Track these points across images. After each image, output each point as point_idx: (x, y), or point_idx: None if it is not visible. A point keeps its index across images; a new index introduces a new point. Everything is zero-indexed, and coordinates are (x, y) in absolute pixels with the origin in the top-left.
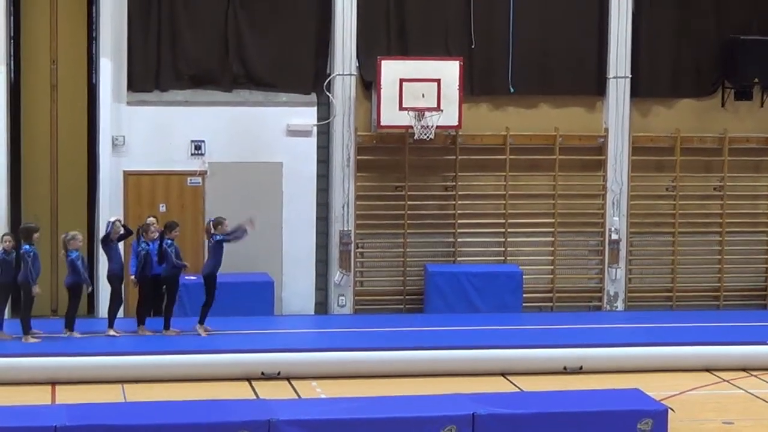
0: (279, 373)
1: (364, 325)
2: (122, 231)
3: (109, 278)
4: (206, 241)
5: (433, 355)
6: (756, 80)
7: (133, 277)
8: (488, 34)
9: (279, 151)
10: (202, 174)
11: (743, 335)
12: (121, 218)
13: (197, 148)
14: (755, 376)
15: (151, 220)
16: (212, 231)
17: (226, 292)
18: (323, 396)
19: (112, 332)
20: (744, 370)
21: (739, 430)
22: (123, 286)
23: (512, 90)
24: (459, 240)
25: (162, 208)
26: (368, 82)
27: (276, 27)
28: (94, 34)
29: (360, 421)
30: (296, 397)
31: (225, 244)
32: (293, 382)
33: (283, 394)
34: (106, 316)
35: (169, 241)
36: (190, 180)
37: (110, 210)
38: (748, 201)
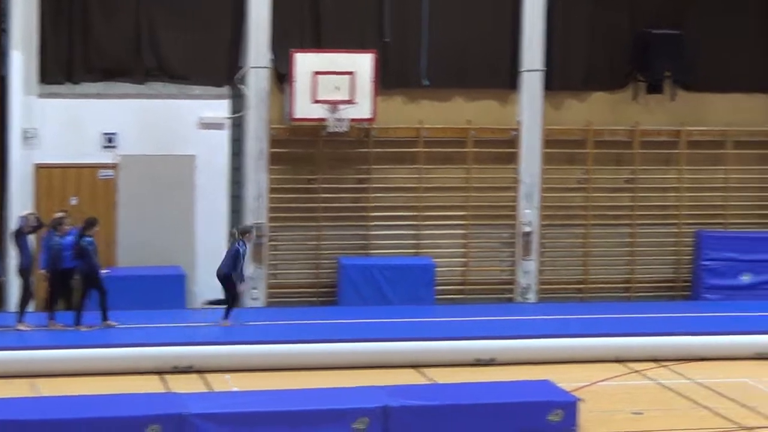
0: (191, 367)
1: (278, 318)
2: (35, 224)
3: (20, 272)
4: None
5: (346, 347)
6: (667, 74)
7: (43, 271)
8: (402, 28)
9: (192, 143)
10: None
11: (653, 326)
12: (34, 212)
13: (109, 140)
14: (665, 366)
15: (62, 213)
16: (237, 236)
17: (137, 286)
18: (236, 389)
19: (21, 326)
20: (654, 360)
21: (648, 420)
22: (33, 280)
23: (426, 83)
24: (372, 233)
25: (73, 201)
26: (282, 75)
27: (189, 19)
28: (3, 26)
29: (273, 414)
30: (209, 391)
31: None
32: (206, 376)
33: (195, 387)
34: (16, 310)
35: (89, 239)
36: (102, 173)
37: (21, 203)
38: (659, 193)
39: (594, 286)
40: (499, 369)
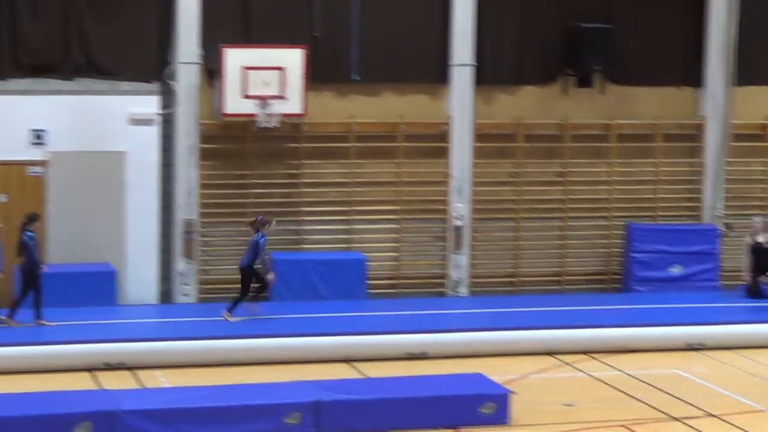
0: (123, 364)
1: (209, 314)
2: None
3: None
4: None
5: (278, 342)
6: (597, 68)
7: None
8: (332, 22)
9: (122, 140)
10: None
11: (584, 318)
12: None
13: (38, 137)
14: (596, 358)
15: None
16: (256, 228)
17: (67, 283)
18: (167, 385)
19: None
20: (585, 353)
21: (579, 411)
22: None
23: (356, 78)
24: (304, 228)
25: (2, 198)
26: (212, 71)
27: (118, 15)
28: None
29: (204, 410)
30: (140, 388)
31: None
32: (137, 373)
33: (127, 384)
34: None
35: (31, 234)
36: (31, 170)
37: None
38: (589, 186)
39: (525, 279)
40: (431, 363)
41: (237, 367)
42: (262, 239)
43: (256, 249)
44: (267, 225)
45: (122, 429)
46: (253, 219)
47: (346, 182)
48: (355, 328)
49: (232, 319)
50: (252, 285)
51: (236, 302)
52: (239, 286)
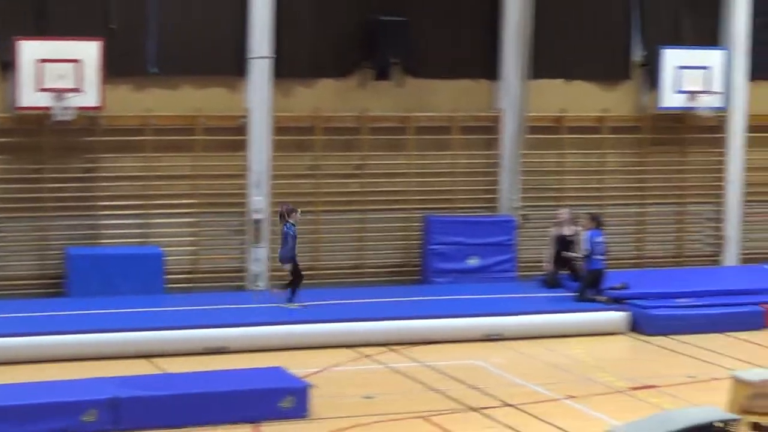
0: None
1: (4, 310)
2: None
3: None
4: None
5: (74, 339)
6: (394, 61)
7: None
8: (129, 15)
9: None
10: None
11: (383, 311)
12: None
13: None
14: (396, 350)
15: None
16: (286, 218)
17: None
18: None
19: None
20: (385, 345)
21: (379, 404)
22: None
23: (154, 71)
24: (100, 222)
25: None
26: (6, 63)
27: None
28: None
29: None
30: None
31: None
32: None
33: None
34: None
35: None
36: None
37: None
38: (387, 179)
39: (324, 272)
40: (231, 357)
41: (32, 365)
42: (292, 229)
43: (287, 239)
44: (294, 213)
45: None
46: (279, 210)
47: (143, 176)
48: (154, 324)
49: (292, 306)
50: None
51: (293, 291)
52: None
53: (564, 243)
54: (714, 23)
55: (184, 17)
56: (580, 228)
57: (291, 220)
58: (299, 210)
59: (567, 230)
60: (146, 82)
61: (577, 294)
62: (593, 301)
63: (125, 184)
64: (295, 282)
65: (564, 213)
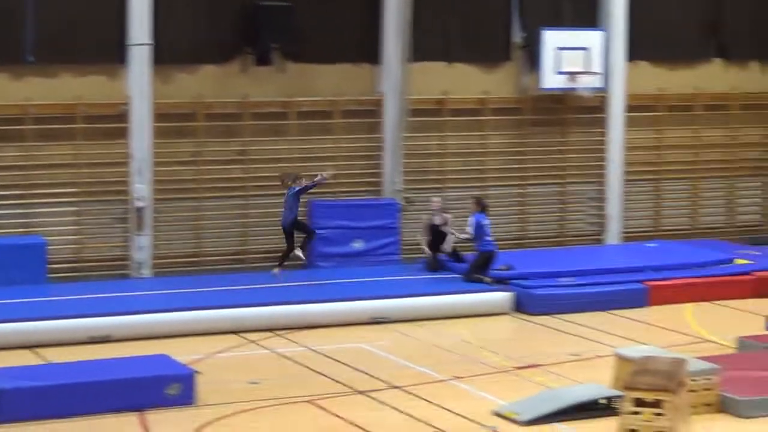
0: None
1: None
2: None
3: None
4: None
5: None
6: (275, 46)
7: None
8: (5, 2)
9: None
10: None
11: (268, 296)
12: None
13: None
14: (281, 335)
15: None
16: (289, 184)
17: None
18: None
19: None
20: (270, 330)
21: (264, 388)
22: None
23: (31, 59)
24: None
25: None
26: None
27: None
28: None
29: None
30: None
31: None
32: None
33: None
34: None
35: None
36: None
37: None
38: (270, 164)
39: (209, 258)
40: (116, 345)
41: None
42: (293, 190)
43: (290, 203)
44: (297, 179)
45: None
46: (281, 177)
47: (23, 165)
48: (37, 314)
49: (276, 271)
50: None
51: (282, 259)
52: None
53: (435, 231)
54: (593, 4)
55: (61, 5)
56: (449, 216)
57: (295, 185)
58: (303, 176)
59: (438, 219)
60: (24, 70)
61: (464, 274)
62: (480, 281)
63: (6, 173)
64: (310, 238)
65: (436, 202)
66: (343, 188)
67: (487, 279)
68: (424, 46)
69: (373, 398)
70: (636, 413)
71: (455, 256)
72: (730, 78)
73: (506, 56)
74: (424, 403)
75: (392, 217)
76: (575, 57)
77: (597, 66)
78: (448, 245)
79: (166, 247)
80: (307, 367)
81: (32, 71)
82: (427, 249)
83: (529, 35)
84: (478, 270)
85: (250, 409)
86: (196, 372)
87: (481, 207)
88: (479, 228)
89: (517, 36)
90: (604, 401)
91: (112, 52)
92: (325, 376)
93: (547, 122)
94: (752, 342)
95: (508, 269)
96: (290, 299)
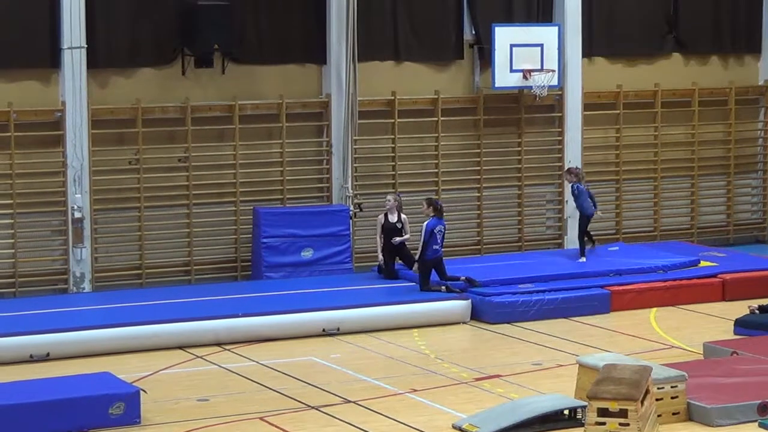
0: None
1: None
2: None
3: None
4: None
5: None
6: (216, 47)
7: None
8: None
9: None
10: None
11: (215, 309)
12: None
13: None
14: (229, 350)
15: None
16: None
17: None
18: None
19: None
20: (218, 344)
21: (214, 406)
22: None
23: None
24: None
25: None
26: None
27: None
28: None
29: None
30: None
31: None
32: None
33: None
34: None
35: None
36: None
37: None
38: (214, 171)
39: (152, 270)
40: (57, 364)
41: None
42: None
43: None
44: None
45: None
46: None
47: None
48: None
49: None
50: None
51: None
52: None
53: (390, 231)
54: None
55: None
56: (404, 215)
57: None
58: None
59: (392, 217)
60: None
61: (419, 285)
62: (437, 290)
63: None
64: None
65: (391, 200)
66: (291, 195)
67: (443, 288)
68: (372, 44)
69: (327, 413)
70: (601, 424)
71: (406, 260)
72: (691, 73)
73: (458, 54)
74: (380, 418)
75: (343, 223)
76: (529, 54)
77: (552, 63)
78: (401, 239)
79: (107, 259)
80: (258, 383)
81: None
82: (380, 254)
83: (481, 32)
84: (426, 280)
85: (199, 428)
86: (142, 390)
87: (435, 210)
88: (430, 236)
89: (469, 33)
90: (567, 412)
91: (44, 56)
92: (276, 391)
93: (502, 122)
94: (719, 347)
95: (471, 283)
96: (238, 312)
